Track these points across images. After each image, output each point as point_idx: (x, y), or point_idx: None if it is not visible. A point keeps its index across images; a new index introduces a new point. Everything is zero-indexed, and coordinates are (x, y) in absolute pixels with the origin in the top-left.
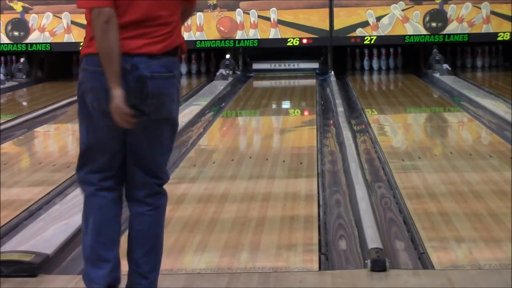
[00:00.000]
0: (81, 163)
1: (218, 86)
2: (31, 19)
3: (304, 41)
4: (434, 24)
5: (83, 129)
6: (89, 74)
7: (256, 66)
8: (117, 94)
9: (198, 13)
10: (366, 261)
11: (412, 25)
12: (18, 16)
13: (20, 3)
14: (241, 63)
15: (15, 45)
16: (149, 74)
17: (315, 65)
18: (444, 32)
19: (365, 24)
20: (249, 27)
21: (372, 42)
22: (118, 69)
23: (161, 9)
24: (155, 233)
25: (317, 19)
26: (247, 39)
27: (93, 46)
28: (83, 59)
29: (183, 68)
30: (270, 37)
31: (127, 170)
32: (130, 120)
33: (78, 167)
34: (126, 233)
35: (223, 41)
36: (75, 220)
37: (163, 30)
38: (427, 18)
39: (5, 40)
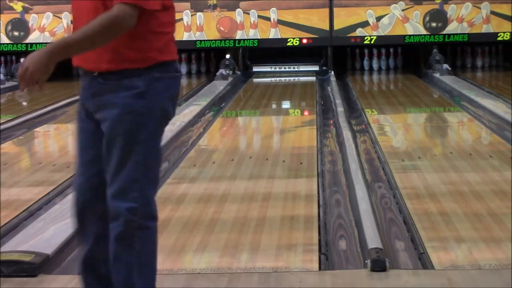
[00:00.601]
0: (153, 192)
1: (218, 86)
2: (31, 19)
3: (304, 41)
4: (434, 24)
5: (153, 145)
6: (167, 82)
7: (256, 69)
8: (52, 63)
9: (198, 13)
10: (366, 261)
11: (412, 25)
12: (18, 16)
13: (20, 3)
14: (241, 63)
15: (15, 45)
16: None
17: (315, 67)
18: (444, 32)
19: (365, 24)
20: (249, 27)
21: (372, 42)
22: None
23: None
24: None
25: (317, 19)
26: (247, 39)
27: (168, 53)
28: (152, 67)
29: (183, 68)
30: (270, 37)
31: None
32: (41, 88)
33: (148, 199)
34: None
35: (223, 41)
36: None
37: None
38: (427, 18)
39: (5, 40)
